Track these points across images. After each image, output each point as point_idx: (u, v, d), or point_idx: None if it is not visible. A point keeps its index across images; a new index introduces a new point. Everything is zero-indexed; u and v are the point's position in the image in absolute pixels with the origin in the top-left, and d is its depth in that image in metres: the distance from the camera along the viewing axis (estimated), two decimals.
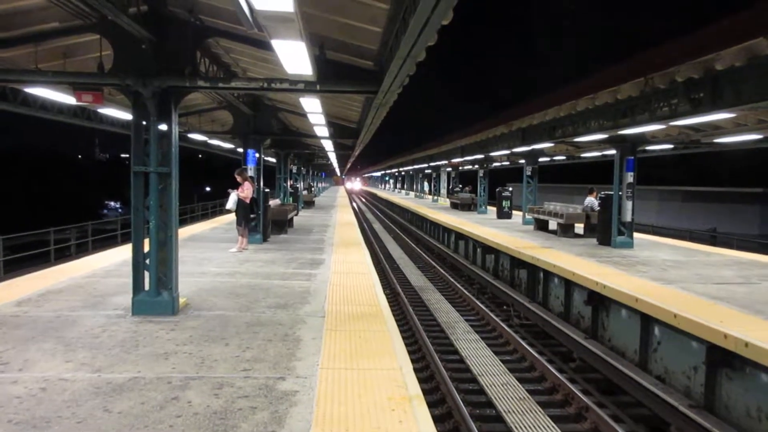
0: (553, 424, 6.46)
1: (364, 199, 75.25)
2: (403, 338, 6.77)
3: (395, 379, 4.88)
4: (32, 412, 4.05)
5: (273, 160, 22.80)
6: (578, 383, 8.02)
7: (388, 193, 70.70)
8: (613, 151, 14.54)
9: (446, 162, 33.84)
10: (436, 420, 5.67)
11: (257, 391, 4.53)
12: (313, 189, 39.29)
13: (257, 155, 13.98)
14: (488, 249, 16.55)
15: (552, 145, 17.79)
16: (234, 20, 6.64)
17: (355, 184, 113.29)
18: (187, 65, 6.87)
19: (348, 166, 61.42)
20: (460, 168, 36.29)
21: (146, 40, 6.58)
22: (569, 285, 11.15)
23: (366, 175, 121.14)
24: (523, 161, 21.77)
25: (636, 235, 14.98)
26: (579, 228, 17.06)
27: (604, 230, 14.75)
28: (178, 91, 6.90)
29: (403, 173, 65.52)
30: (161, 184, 6.76)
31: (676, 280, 9.75)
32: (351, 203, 43.03)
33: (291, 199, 22.79)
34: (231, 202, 12.56)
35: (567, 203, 19.94)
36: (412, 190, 56.27)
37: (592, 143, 15.31)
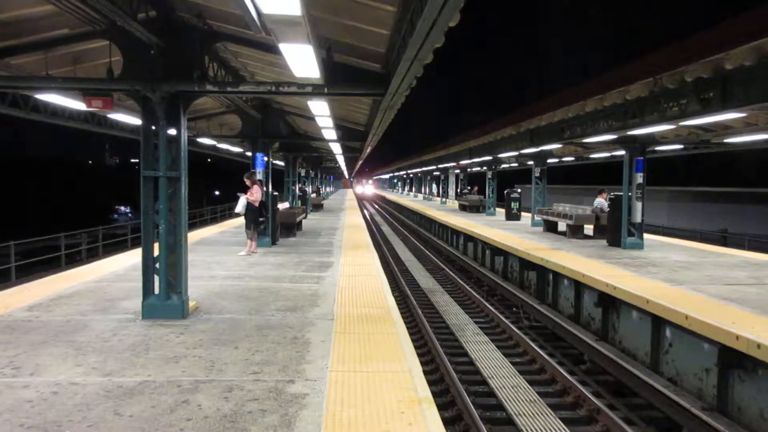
0: (564, 427, 6.42)
1: (377, 207, 62.29)
2: (413, 340, 6.75)
3: (405, 381, 4.87)
4: (44, 416, 4.07)
5: (281, 163, 22.85)
6: (589, 385, 7.98)
7: (397, 195, 70.34)
8: (622, 152, 14.47)
9: (454, 164, 33.80)
10: (446, 423, 5.66)
11: (267, 394, 4.53)
12: (321, 192, 39.36)
13: (266, 159, 14.03)
14: (497, 251, 16.50)
15: (560, 146, 17.74)
16: (242, 24, 6.67)
17: (367, 187, 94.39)
18: (196, 70, 6.91)
19: (356, 168, 61.47)
20: (469, 170, 36.24)
21: (155, 45, 6.63)
22: (579, 286, 11.09)
23: (376, 177, 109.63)
24: (531, 162, 21.71)
25: (646, 236, 14.89)
26: (588, 229, 16.99)
27: (614, 231, 14.68)
28: (186, 95, 6.93)
29: (411, 175, 65.42)
30: (170, 189, 6.78)
31: (687, 281, 9.68)
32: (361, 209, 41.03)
33: (300, 202, 22.85)
34: (240, 206, 12.60)
35: (576, 204, 19.86)
36: (421, 192, 56.23)
37: (601, 144, 15.24)
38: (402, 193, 76.41)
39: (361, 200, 64.80)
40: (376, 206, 63.52)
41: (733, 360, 6.50)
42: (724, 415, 6.64)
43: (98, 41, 7.41)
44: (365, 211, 44.16)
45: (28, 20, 6.88)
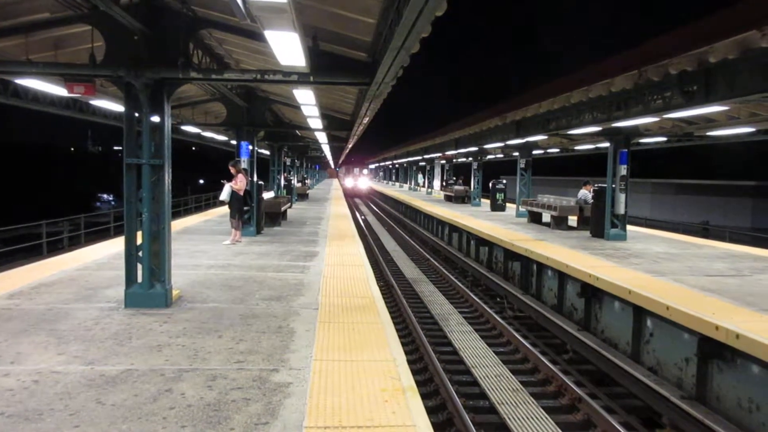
0: (546, 416, 6.50)
1: (375, 207, 44.36)
2: (397, 330, 6.78)
3: (389, 370, 4.89)
4: (25, 404, 4.03)
5: (266, 152, 22.71)
6: (571, 375, 8.07)
7: (383, 185, 69.66)
8: (606, 144, 14.57)
9: (440, 154, 33.82)
10: (430, 411, 5.69)
11: (251, 383, 4.52)
12: (307, 182, 39.16)
13: (251, 147, 13.93)
14: (482, 241, 16.58)
15: (546, 137, 17.83)
16: (227, 11, 6.59)
17: (360, 180, 69.68)
18: (180, 57, 6.82)
19: (342, 158, 61.11)
20: (454, 160, 36.29)
21: (138, 31, 6.53)
22: (562, 277, 11.19)
23: (368, 164, 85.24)
24: (517, 154, 21.79)
25: (629, 227, 15.04)
26: (572, 221, 17.12)
27: (598, 223, 14.80)
28: (170, 82, 6.84)
29: (396, 166, 65.14)
30: (154, 177, 6.72)
31: (669, 272, 9.80)
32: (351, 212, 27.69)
33: (285, 191, 22.75)
34: (225, 194, 12.52)
35: (561, 196, 19.98)
36: (406, 182, 56.15)
37: (586, 136, 15.35)
38: (387, 183, 75.76)
39: (350, 196, 52.33)
40: (373, 205, 46.81)
41: (712, 350, 6.60)
42: (703, 403, 6.76)
43: (80, 26, 7.27)
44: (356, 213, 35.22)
45: (7, 3, 6.73)
